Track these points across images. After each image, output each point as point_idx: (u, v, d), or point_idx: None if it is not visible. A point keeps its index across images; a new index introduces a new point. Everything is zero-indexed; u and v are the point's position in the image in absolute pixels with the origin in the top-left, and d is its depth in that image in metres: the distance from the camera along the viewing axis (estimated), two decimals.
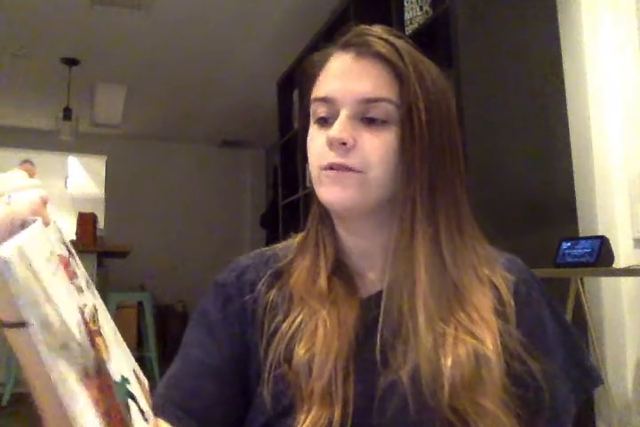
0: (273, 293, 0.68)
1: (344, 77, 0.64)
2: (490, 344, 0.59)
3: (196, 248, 5.86)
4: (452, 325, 0.60)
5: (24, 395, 0.34)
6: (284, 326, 0.64)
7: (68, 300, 0.37)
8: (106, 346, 0.46)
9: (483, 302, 0.63)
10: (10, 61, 3.99)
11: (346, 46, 0.67)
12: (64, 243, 0.47)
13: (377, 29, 0.67)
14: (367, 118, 0.63)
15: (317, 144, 0.65)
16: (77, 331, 0.36)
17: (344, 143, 0.62)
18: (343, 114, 0.63)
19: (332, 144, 0.62)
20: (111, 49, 3.85)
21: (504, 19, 1.94)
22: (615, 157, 1.95)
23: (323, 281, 0.66)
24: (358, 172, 0.62)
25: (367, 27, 0.67)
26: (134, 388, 0.50)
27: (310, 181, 0.68)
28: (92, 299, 0.49)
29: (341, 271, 0.68)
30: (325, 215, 0.70)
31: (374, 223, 0.67)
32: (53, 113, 4.44)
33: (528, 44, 2.01)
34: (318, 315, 0.63)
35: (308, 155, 0.67)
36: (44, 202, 0.45)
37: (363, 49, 0.64)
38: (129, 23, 3.48)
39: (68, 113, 4.29)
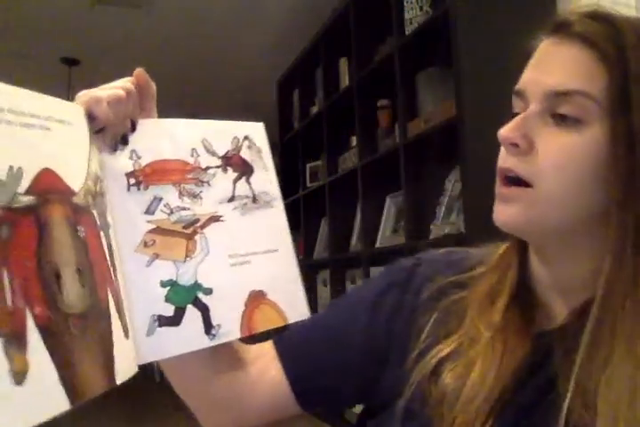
0: (447, 301, 0.60)
1: (538, 66, 0.54)
2: None
3: None
4: None
5: None
6: (443, 344, 0.57)
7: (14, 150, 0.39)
8: (189, 249, 0.52)
9: None
10: (10, 61, 3.99)
11: (550, 30, 0.55)
12: (223, 157, 0.57)
13: (593, 6, 0.53)
14: (558, 115, 0.50)
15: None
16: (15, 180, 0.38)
17: (516, 145, 0.51)
18: (530, 109, 0.52)
19: (504, 145, 0.52)
20: (111, 49, 3.84)
21: (504, 19, 1.94)
22: None
23: (500, 305, 0.56)
24: (526, 186, 0.50)
25: (586, 5, 0.53)
26: (215, 303, 0.53)
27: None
28: (217, 212, 0.55)
29: (524, 298, 0.57)
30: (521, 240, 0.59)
31: (571, 250, 0.53)
32: None
33: (528, 44, 2.01)
34: (481, 345, 0.55)
35: None
36: (109, 100, 0.50)
37: (563, 31, 0.52)
38: (129, 23, 3.48)
39: None
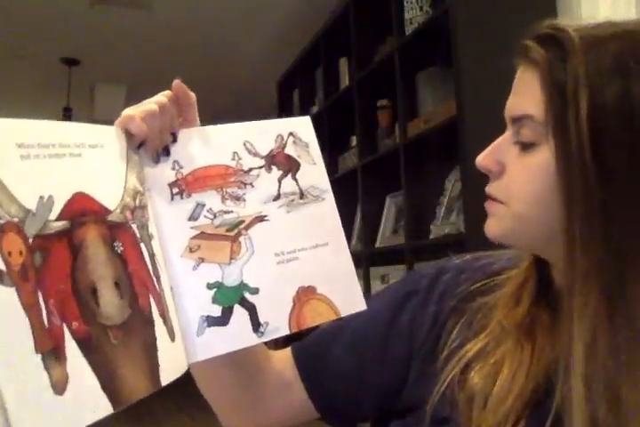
0: (475, 305, 0.61)
1: (511, 92, 0.57)
2: None
3: None
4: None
5: None
6: (470, 344, 0.58)
7: (43, 177, 0.42)
8: (233, 251, 0.54)
9: None
10: (10, 61, 3.99)
11: (519, 54, 0.58)
12: (266, 156, 0.58)
13: (559, 25, 0.55)
14: (519, 140, 0.54)
15: None
16: (26, 199, 0.40)
17: (489, 170, 0.56)
18: (503, 135, 0.56)
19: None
20: (111, 49, 3.85)
21: (504, 19, 1.94)
22: None
23: (524, 304, 0.58)
24: (502, 202, 0.55)
25: (548, 24, 0.56)
26: (262, 301, 0.55)
27: None
28: (262, 212, 0.56)
29: (550, 297, 0.58)
30: None
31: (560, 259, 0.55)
32: (53, 113, 4.44)
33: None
34: (508, 344, 0.55)
35: None
36: (142, 116, 0.52)
37: (524, 56, 0.56)
38: (129, 23, 3.48)
39: (68, 113, 4.29)
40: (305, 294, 0.57)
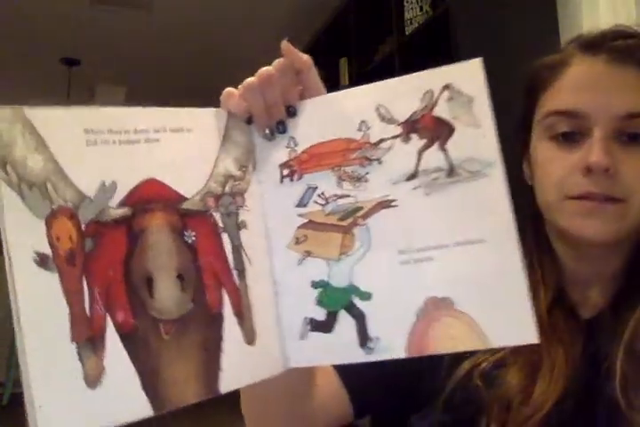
0: None
1: (596, 88, 0.55)
2: None
3: None
4: None
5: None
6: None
7: (107, 162, 0.40)
8: (344, 245, 0.46)
9: None
10: (10, 61, 3.99)
11: (594, 49, 0.57)
12: (405, 122, 0.45)
13: (620, 26, 0.57)
14: (628, 136, 0.54)
15: (560, 167, 0.56)
16: (84, 184, 0.39)
17: (607, 169, 0.53)
18: (598, 133, 0.54)
19: (593, 171, 0.53)
20: (111, 49, 3.84)
21: (504, 18, 1.94)
22: None
23: (543, 308, 0.57)
24: (619, 201, 0.54)
25: (624, 28, 0.57)
26: (375, 310, 0.44)
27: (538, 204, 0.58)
28: (388, 196, 0.45)
29: (561, 298, 0.59)
30: (544, 240, 0.60)
31: (610, 249, 0.58)
32: None
33: (528, 44, 2.01)
34: (540, 349, 0.55)
35: (539, 176, 0.58)
36: (241, 92, 0.47)
37: (621, 54, 0.55)
38: (129, 23, 3.48)
39: None
40: (436, 308, 0.43)
